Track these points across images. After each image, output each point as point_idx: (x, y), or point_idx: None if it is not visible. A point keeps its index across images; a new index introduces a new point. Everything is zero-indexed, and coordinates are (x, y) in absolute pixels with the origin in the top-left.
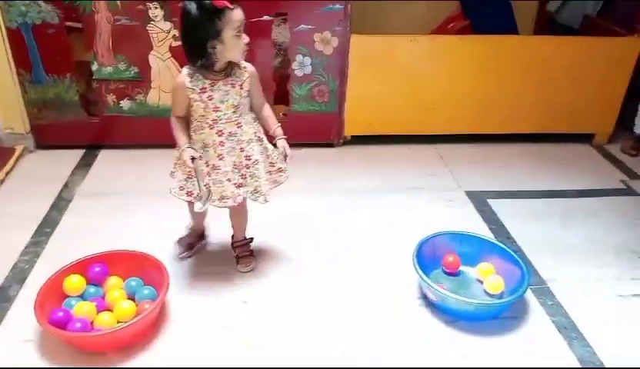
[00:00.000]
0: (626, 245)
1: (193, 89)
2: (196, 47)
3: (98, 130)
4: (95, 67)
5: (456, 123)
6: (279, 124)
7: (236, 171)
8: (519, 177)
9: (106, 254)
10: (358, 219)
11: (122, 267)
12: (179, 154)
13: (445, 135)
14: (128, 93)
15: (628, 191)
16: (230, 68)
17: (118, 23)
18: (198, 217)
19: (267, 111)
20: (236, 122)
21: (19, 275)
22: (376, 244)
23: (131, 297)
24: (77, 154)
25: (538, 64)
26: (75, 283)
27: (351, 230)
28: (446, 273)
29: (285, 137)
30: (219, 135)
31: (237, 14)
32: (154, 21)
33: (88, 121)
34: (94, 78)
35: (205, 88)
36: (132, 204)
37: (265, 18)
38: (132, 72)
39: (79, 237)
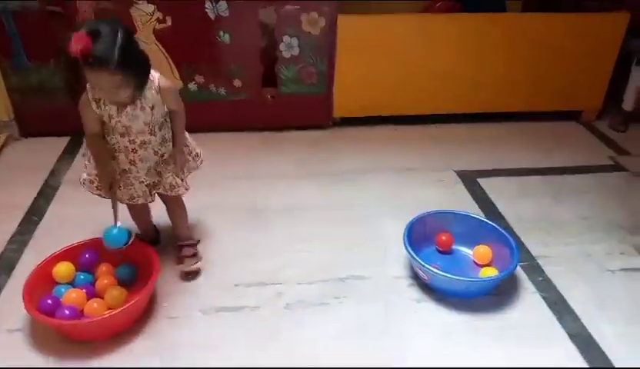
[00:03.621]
0: (615, 221)
1: (101, 115)
2: None
3: None
4: None
5: (445, 102)
6: (187, 136)
7: (150, 172)
8: (509, 155)
9: (96, 240)
10: (348, 200)
11: (113, 254)
12: (98, 173)
13: (435, 115)
14: None
15: (616, 167)
16: (137, 92)
17: (100, 7)
18: (141, 222)
19: (177, 120)
20: (149, 131)
21: (7, 265)
22: (367, 224)
23: (122, 284)
24: (63, 141)
25: (527, 42)
26: (64, 270)
27: (341, 211)
28: (439, 251)
29: (181, 150)
30: (131, 143)
31: (92, 77)
32: (136, 3)
33: (74, 107)
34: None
35: (112, 115)
36: None
37: None
38: None
39: (67, 224)
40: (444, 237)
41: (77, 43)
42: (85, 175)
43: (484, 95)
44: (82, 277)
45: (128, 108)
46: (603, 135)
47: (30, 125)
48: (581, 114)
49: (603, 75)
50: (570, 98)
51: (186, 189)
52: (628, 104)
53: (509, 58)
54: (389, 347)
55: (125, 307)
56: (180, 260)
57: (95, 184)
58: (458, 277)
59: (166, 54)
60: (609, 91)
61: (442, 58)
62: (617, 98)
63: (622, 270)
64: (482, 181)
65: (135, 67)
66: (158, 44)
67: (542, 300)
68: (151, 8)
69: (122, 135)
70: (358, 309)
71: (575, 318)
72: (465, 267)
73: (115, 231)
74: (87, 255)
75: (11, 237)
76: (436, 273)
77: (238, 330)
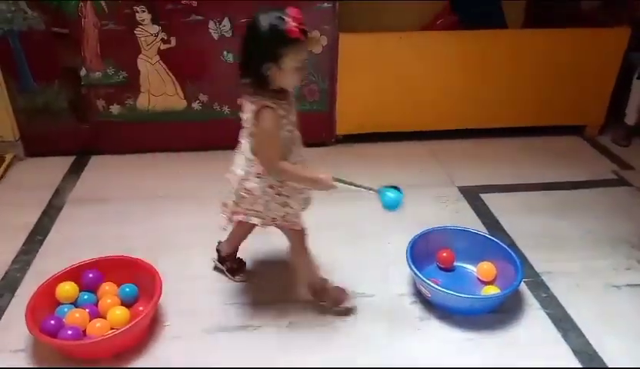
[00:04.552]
0: (619, 235)
1: (283, 116)
2: (251, 64)
3: (88, 136)
4: (83, 72)
5: (447, 119)
6: None
7: None
8: (511, 171)
9: (99, 259)
10: (350, 217)
11: (116, 273)
12: (319, 185)
13: (437, 131)
14: (118, 98)
15: (620, 182)
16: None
17: (105, 28)
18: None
19: None
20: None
21: (11, 284)
22: (370, 241)
23: (126, 304)
24: (67, 161)
25: (528, 58)
26: (67, 290)
27: (343, 228)
28: (440, 268)
29: None
30: (299, 149)
31: (303, 51)
32: (141, 24)
33: (78, 127)
34: (82, 83)
35: (289, 110)
36: (124, 210)
37: None
38: (121, 77)
39: (71, 244)
40: (444, 254)
41: (296, 19)
42: (297, 220)
43: (485, 111)
44: (85, 297)
45: (292, 100)
46: (606, 150)
47: (35, 145)
48: (585, 128)
49: (605, 90)
50: (572, 112)
51: None
52: (630, 118)
53: (511, 74)
54: (393, 365)
55: (127, 326)
56: (231, 271)
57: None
58: (462, 295)
59: (170, 74)
60: (612, 106)
61: (443, 75)
62: (619, 113)
63: (628, 285)
64: (485, 197)
65: None
66: (162, 64)
67: (547, 317)
68: (155, 28)
69: (296, 146)
70: (361, 327)
71: (580, 335)
72: (469, 284)
73: (392, 193)
74: (90, 275)
75: (15, 257)
76: (441, 291)
77: (241, 350)
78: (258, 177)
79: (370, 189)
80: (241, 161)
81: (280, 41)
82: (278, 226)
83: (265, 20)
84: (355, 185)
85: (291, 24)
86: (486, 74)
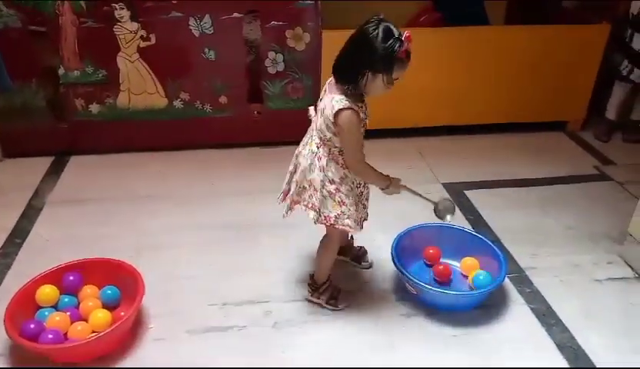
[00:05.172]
0: (601, 230)
1: (363, 119)
2: (353, 66)
3: (67, 136)
4: (61, 71)
5: (432, 116)
6: None
7: None
8: (495, 167)
9: (80, 262)
10: None
11: (97, 276)
12: (390, 188)
13: (422, 128)
14: (97, 97)
15: (601, 177)
16: None
17: (83, 25)
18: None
19: None
20: None
21: None
22: (355, 239)
23: (107, 306)
24: (47, 162)
25: (510, 54)
26: (47, 293)
27: None
28: (427, 265)
29: None
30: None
31: (405, 68)
32: (120, 22)
33: (57, 127)
34: (61, 82)
35: (365, 117)
36: (105, 210)
37: (235, 15)
38: (100, 75)
39: (51, 246)
40: (431, 251)
41: (409, 43)
42: (350, 222)
43: (470, 108)
44: (66, 299)
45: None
46: (588, 145)
47: (13, 146)
48: (567, 124)
49: (587, 85)
50: (554, 109)
51: None
52: (611, 113)
53: (494, 71)
54: (380, 364)
55: (109, 329)
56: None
57: (358, 223)
58: (447, 291)
59: (151, 72)
60: (593, 101)
61: (427, 72)
62: (601, 108)
63: (610, 279)
64: (469, 194)
65: None
66: (142, 61)
67: (531, 312)
68: (134, 26)
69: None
70: (347, 325)
71: (564, 329)
72: (455, 280)
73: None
74: (71, 277)
75: None
76: (424, 287)
77: (225, 350)
78: (321, 171)
79: (429, 200)
80: (307, 153)
81: (390, 58)
82: (329, 225)
83: (383, 34)
84: (417, 194)
85: (406, 46)
86: (470, 71)
